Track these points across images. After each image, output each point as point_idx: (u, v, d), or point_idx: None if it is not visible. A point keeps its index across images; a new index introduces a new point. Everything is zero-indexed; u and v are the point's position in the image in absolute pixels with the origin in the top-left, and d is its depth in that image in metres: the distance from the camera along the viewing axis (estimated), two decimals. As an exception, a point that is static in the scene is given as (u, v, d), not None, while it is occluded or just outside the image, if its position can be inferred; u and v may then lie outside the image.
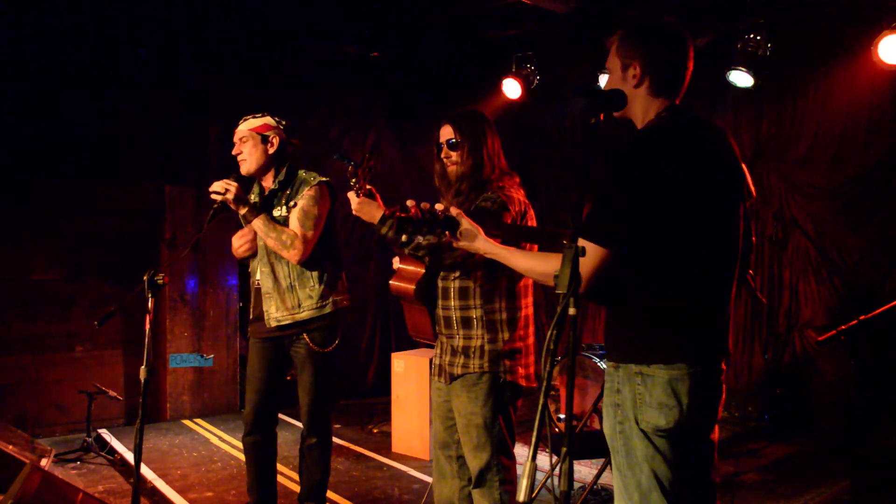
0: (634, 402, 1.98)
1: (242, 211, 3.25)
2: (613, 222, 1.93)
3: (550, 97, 6.93)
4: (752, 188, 2.25)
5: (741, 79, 5.30)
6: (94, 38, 5.42)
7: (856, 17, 5.03)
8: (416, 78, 6.95)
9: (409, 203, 2.18)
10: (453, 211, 2.22)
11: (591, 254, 1.90)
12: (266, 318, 3.37)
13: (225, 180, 3.22)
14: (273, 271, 3.37)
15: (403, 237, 2.50)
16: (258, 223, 3.25)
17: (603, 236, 1.91)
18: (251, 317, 3.52)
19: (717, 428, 2.11)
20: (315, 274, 3.36)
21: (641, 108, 2.10)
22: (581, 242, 1.73)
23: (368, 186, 2.67)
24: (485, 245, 2.22)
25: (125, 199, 5.86)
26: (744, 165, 2.17)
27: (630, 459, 2.01)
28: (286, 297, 3.34)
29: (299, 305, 3.34)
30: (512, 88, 6.22)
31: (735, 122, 5.99)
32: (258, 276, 3.44)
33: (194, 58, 5.89)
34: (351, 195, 2.66)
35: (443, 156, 2.77)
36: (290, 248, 3.24)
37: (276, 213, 3.36)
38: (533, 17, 5.70)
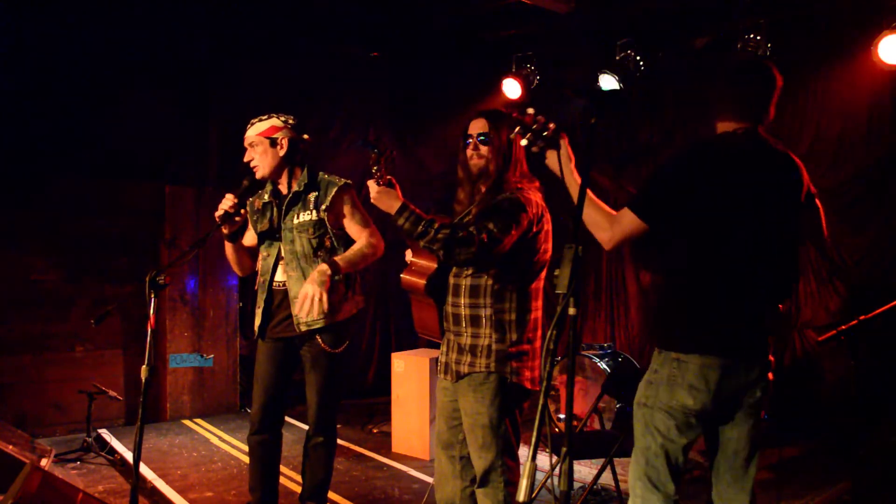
0: (669, 382, 2.29)
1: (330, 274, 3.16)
2: (649, 202, 2.30)
3: (550, 97, 6.93)
4: (825, 226, 2.53)
5: (741, 79, 5.29)
6: (94, 39, 5.41)
7: (856, 17, 5.03)
8: (416, 78, 6.96)
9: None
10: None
11: (629, 219, 2.28)
12: (295, 322, 3.32)
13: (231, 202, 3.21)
14: (303, 275, 3.31)
15: (420, 228, 2.51)
16: (346, 267, 3.24)
17: (639, 208, 2.28)
18: (263, 316, 3.43)
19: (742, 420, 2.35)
20: (341, 277, 3.36)
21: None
22: (625, 209, 2.28)
23: (388, 177, 2.65)
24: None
25: (125, 199, 5.86)
26: (808, 190, 2.43)
27: (647, 428, 2.33)
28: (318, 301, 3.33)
29: (329, 309, 3.29)
30: (512, 88, 6.22)
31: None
32: (281, 278, 3.39)
33: (194, 57, 5.89)
34: (371, 184, 2.64)
35: (471, 149, 2.75)
36: (377, 251, 3.33)
37: (305, 216, 3.33)
38: (533, 17, 5.70)
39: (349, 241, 3.41)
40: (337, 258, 3.25)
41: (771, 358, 2.36)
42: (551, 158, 2.33)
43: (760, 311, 2.31)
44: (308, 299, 3.03)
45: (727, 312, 2.28)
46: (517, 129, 2.31)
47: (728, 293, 2.28)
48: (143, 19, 5.51)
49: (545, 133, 2.30)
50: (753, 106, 2.40)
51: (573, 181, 2.32)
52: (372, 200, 2.63)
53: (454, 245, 2.49)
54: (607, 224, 2.32)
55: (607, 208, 2.38)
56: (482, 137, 2.72)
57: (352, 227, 3.38)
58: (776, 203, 2.32)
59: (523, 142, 2.30)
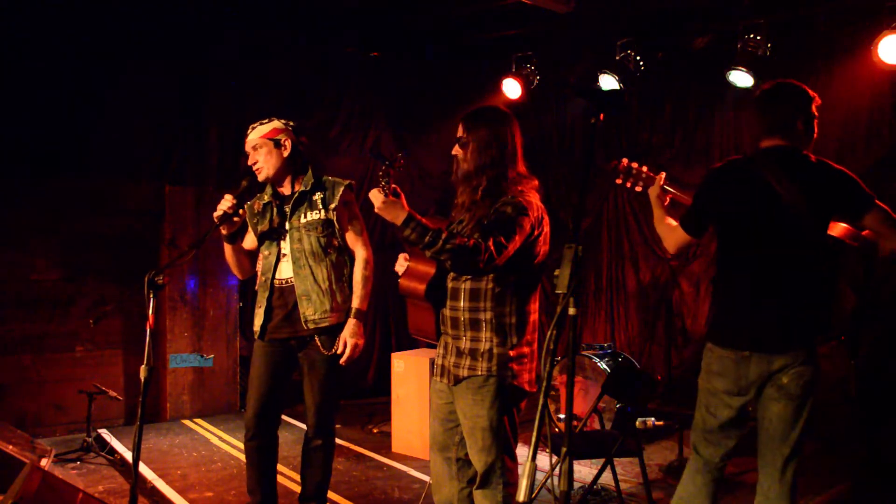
0: (705, 368, 2.77)
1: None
2: (688, 218, 2.80)
3: (550, 97, 6.93)
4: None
5: (741, 79, 5.29)
6: (94, 38, 5.41)
7: (856, 17, 5.03)
8: (416, 78, 6.95)
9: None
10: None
11: (679, 233, 2.83)
12: (302, 320, 3.33)
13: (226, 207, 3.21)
14: (312, 273, 3.34)
15: (427, 239, 2.48)
16: (363, 303, 3.41)
17: (682, 223, 2.81)
18: (265, 315, 3.41)
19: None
20: (347, 276, 3.42)
21: None
22: (678, 223, 2.83)
23: (394, 186, 2.58)
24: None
25: (125, 199, 5.85)
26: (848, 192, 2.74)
27: (699, 404, 2.80)
28: (325, 300, 3.33)
29: (338, 307, 3.35)
30: (512, 88, 6.22)
31: (735, 122, 5.98)
32: (284, 276, 3.38)
33: (194, 58, 5.89)
34: (375, 194, 2.56)
35: (453, 152, 2.75)
36: (371, 266, 3.44)
37: (313, 216, 3.36)
38: (533, 17, 5.70)
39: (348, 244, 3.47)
40: (354, 304, 3.38)
41: (823, 350, 2.55)
42: (651, 193, 2.98)
43: (778, 310, 2.58)
44: (350, 349, 3.32)
45: (738, 311, 2.66)
46: (620, 175, 2.98)
47: (739, 294, 2.65)
48: (143, 18, 5.51)
49: (642, 176, 2.98)
50: (770, 125, 2.71)
51: (660, 208, 2.94)
52: (377, 211, 2.56)
53: (463, 255, 2.46)
54: (668, 235, 2.88)
55: (672, 222, 2.88)
56: (460, 140, 2.73)
57: (350, 233, 3.43)
58: (794, 210, 2.56)
59: (626, 184, 2.95)
